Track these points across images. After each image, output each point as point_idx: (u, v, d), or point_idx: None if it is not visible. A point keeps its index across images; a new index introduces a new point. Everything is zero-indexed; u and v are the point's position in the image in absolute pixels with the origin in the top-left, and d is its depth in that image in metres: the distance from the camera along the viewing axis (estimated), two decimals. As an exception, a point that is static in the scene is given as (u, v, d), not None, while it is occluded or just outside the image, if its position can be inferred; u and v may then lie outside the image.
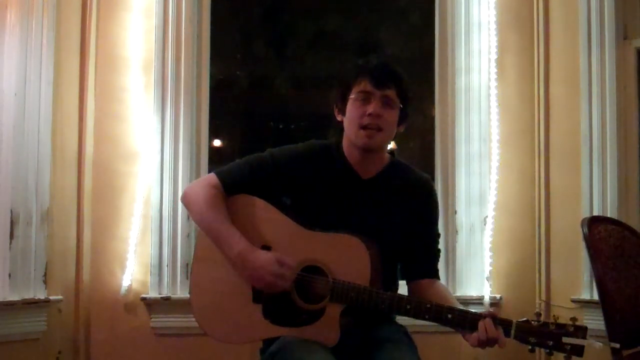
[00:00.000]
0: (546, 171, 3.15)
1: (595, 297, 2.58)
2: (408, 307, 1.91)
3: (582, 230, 2.40)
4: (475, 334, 1.84)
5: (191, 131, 3.17)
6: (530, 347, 1.81)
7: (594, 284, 2.60)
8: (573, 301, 2.93)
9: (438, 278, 2.17)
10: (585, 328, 1.78)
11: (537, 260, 3.16)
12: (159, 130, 3.13)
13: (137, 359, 3.10)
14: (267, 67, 3.93)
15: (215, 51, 3.32)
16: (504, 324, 1.83)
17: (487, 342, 1.83)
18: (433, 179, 3.22)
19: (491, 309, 1.93)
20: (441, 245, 3.10)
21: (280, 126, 4.02)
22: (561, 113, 3.12)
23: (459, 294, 3.12)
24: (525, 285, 3.16)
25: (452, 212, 3.19)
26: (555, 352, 1.80)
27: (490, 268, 3.13)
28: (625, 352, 2.26)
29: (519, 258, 3.18)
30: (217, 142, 3.62)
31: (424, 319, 1.91)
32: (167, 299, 3.06)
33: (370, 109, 2.01)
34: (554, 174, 3.14)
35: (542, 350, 1.82)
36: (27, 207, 2.77)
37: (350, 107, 2.05)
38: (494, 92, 3.19)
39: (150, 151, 3.12)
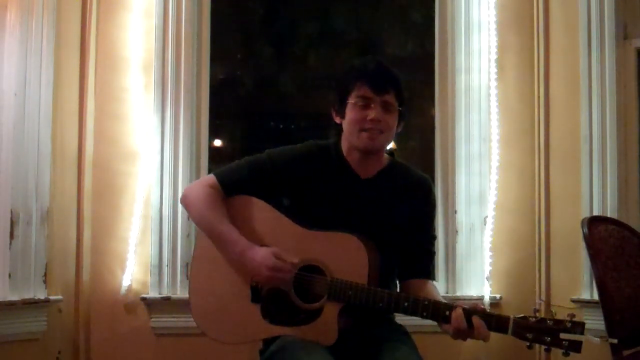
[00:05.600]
0: (546, 171, 3.15)
1: (595, 297, 2.58)
2: (406, 304, 1.91)
3: (582, 230, 2.40)
4: (448, 325, 1.87)
5: (191, 131, 3.17)
6: (528, 343, 1.81)
7: (594, 284, 2.60)
8: (573, 301, 2.93)
9: (431, 279, 2.17)
10: (583, 324, 1.77)
11: (537, 260, 3.16)
12: (159, 130, 3.13)
13: (137, 359, 3.10)
14: (267, 66, 3.93)
15: (215, 51, 3.32)
16: (502, 321, 1.83)
17: (459, 332, 1.84)
18: (433, 179, 3.23)
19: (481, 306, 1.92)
20: (441, 245, 3.19)
21: (281, 126, 4.02)
22: (561, 113, 3.12)
23: (458, 294, 3.12)
24: (525, 285, 3.16)
25: (452, 212, 3.19)
26: (553, 348, 1.79)
27: (490, 268, 3.13)
28: (626, 352, 2.26)
29: (519, 258, 3.18)
30: (217, 142, 3.62)
31: (422, 316, 1.91)
32: (167, 299, 3.06)
33: (372, 114, 2.02)
34: (554, 174, 3.14)
35: (542, 348, 1.82)
36: (27, 207, 2.77)
37: (350, 111, 2.06)
38: (494, 92, 3.19)
39: (150, 151, 3.12)
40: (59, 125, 2.96)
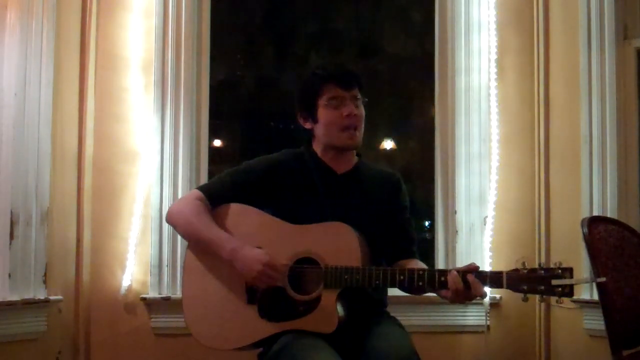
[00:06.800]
0: (546, 171, 3.15)
1: (595, 297, 2.58)
2: (401, 277, 1.97)
3: (582, 230, 2.39)
4: (446, 290, 1.93)
5: (191, 131, 3.17)
6: (523, 295, 1.86)
7: (594, 284, 2.60)
8: (573, 301, 2.92)
9: (416, 258, 2.24)
10: (571, 268, 1.84)
11: (537, 260, 3.15)
12: (159, 130, 3.13)
13: (137, 359, 3.10)
14: (267, 66, 3.93)
15: (215, 51, 3.33)
16: (495, 276, 1.89)
17: (457, 294, 1.90)
18: (433, 179, 3.25)
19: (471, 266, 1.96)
20: (441, 245, 3.20)
21: (281, 126, 4.02)
22: (561, 113, 3.12)
23: (459, 294, 3.12)
24: (525, 285, 3.15)
25: (452, 212, 3.19)
26: (547, 297, 1.85)
27: (490, 268, 3.12)
28: (625, 352, 2.25)
29: (519, 258, 3.17)
30: (217, 142, 3.62)
31: (417, 286, 1.95)
32: (167, 299, 3.07)
33: (347, 110, 2.14)
34: (554, 174, 3.14)
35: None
36: (27, 207, 2.77)
37: (323, 113, 2.17)
38: (494, 92, 3.20)
39: (150, 151, 3.13)
40: (59, 125, 2.96)
